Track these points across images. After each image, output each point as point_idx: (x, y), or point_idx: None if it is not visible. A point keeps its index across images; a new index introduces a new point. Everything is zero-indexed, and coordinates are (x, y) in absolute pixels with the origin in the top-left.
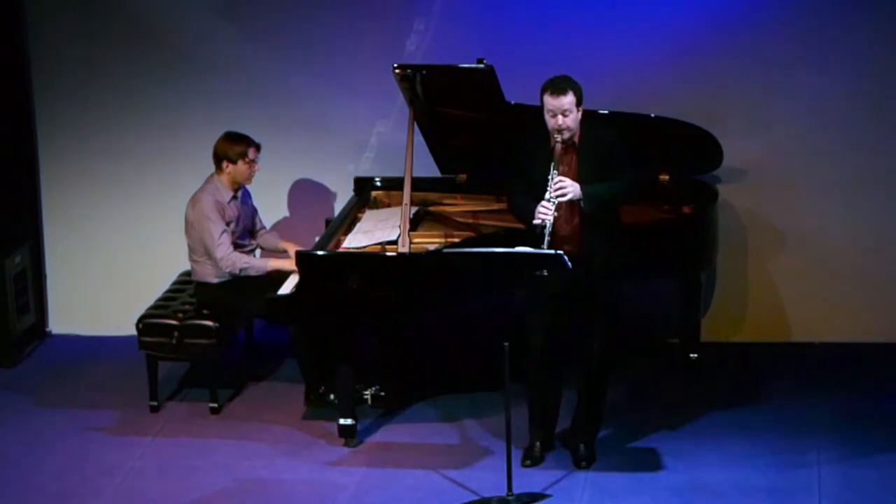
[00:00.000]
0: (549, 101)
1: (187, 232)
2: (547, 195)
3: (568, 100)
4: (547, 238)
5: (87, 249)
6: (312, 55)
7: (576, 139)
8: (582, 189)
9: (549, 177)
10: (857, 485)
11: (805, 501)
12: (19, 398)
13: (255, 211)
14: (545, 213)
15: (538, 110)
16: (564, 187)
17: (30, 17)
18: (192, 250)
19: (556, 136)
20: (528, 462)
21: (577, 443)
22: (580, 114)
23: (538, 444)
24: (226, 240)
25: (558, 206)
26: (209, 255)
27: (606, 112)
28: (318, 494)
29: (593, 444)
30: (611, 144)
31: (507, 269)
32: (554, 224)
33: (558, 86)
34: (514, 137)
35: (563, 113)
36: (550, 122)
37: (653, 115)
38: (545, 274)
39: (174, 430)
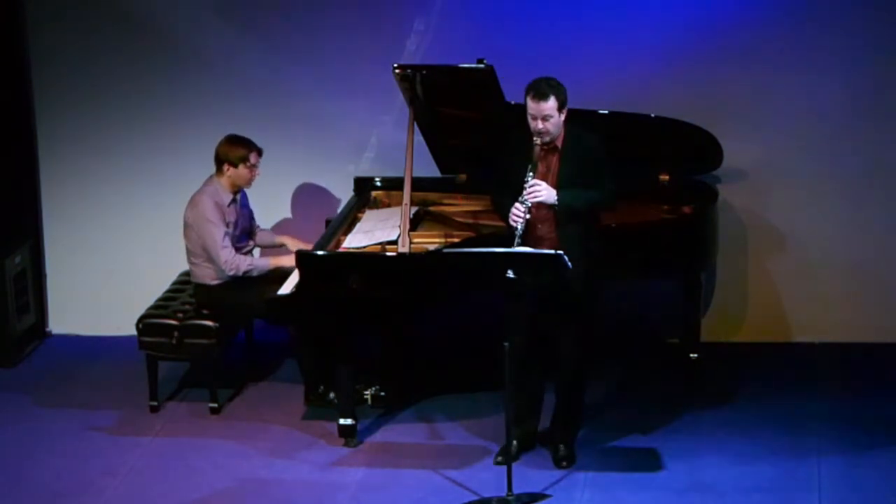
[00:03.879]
0: (531, 105)
1: (186, 234)
2: (521, 197)
3: (549, 105)
4: (518, 240)
5: (87, 249)
6: (313, 55)
7: (559, 143)
8: (557, 193)
9: (525, 179)
10: (857, 485)
11: (805, 501)
12: (19, 398)
13: (251, 213)
14: (518, 215)
15: None
16: (538, 190)
17: (30, 17)
18: (190, 253)
19: (536, 138)
20: (499, 459)
21: (557, 443)
22: (563, 117)
23: (515, 442)
24: (228, 243)
25: (530, 209)
26: (210, 258)
27: (606, 112)
28: (318, 494)
29: (573, 444)
30: (591, 151)
31: (506, 269)
32: (531, 223)
33: (540, 90)
34: (503, 134)
35: (544, 118)
36: (532, 125)
37: (653, 115)
38: (512, 276)
39: (174, 430)
